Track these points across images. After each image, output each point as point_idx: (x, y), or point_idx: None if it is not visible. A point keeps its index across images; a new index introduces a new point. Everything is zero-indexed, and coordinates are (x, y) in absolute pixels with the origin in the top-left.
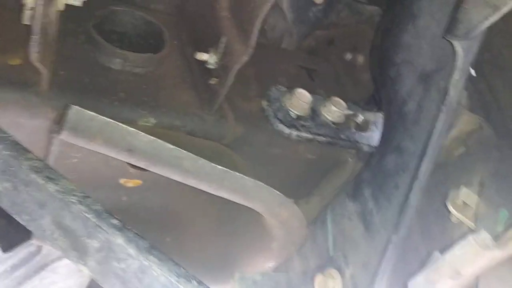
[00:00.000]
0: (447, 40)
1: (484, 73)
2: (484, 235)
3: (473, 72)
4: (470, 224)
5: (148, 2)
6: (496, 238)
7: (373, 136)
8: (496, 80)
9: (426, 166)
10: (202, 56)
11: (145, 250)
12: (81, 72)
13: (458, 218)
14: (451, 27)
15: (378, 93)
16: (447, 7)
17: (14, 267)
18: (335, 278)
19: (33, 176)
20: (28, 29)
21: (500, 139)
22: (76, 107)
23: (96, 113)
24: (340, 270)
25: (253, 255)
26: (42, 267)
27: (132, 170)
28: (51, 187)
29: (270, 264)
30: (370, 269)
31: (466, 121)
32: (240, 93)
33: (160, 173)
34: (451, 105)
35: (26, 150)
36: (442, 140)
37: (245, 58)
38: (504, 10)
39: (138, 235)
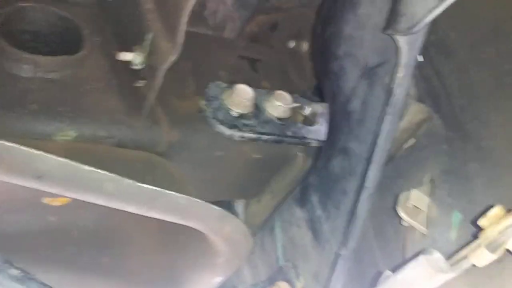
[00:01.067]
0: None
1: (430, 57)
2: (437, 256)
3: (420, 57)
4: (422, 229)
5: None
6: (448, 258)
7: (321, 130)
8: (443, 65)
9: (373, 172)
10: (126, 56)
11: None
12: None
13: (409, 224)
14: (391, 21)
15: (321, 87)
16: None
17: None
18: None
19: None
20: None
21: (450, 131)
22: None
23: (2, 130)
24: (290, 283)
25: (199, 272)
26: None
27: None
28: None
29: (217, 280)
30: (321, 281)
31: (415, 111)
32: (174, 92)
33: (79, 198)
34: (396, 105)
35: None
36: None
37: (172, 58)
38: (450, 1)
39: (44, 284)
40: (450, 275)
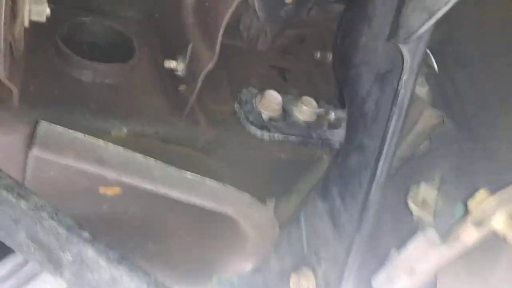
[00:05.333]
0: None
1: (446, 67)
2: (431, 233)
3: (435, 67)
4: (429, 220)
5: (118, 10)
6: (443, 235)
7: (344, 133)
8: (459, 74)
9: (383, 164)
10: (170, 64)
11: (115, 261)
12: (51, 85)
13: (418, 215)
14: (393, 32)
15: (342, 92)
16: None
17: (2, 279)
18: (308, 277)
19: (5, 194)
20: None
21: (461, 133)
22: (45, 122)
23: (68, 126)
24: (313, 269)
25: (230, 257)
26: (31, 277)
27: (110, 178)
28: (23, 204)
29: (247, 266)
30: (340, 267)
31: (429, 116)
32: (212, 96)
33: (131, 183)
34: (402, 104)
35: None
36: (407, 136)
37: (211, 65)
38: (439, 15)
39: (108, 246)
40: (444, 250)
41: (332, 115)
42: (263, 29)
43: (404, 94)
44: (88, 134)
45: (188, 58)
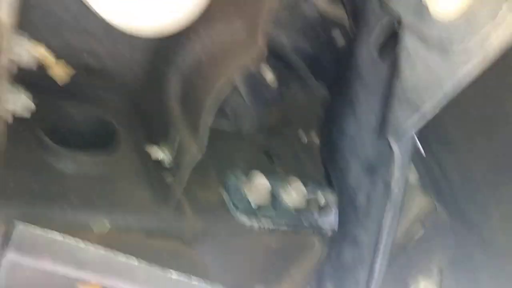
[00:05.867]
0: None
1: (433, 151)
2: None
3: (422, 151)
4: None
5: (102, 97)
6: None
7: (336, 220)
8: (445, 158)
9: (380, 262)
10: (156, 154)
11: None
12: (31, 179)
13: None
14: (382, 128)
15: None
16: (382, 99)
17: None
18: None
19: None
20: None
21: (454, 221)
22: (22, 224)
23: (47, 222)
24: None
25: None
26: None
27: (90, 281)
28: None
29: None
30: None
31: (420, 203)
32: (198, 183)
33: (113, 286)
34: (396, 202)
35: None
36: (401, 222)
37: (197, 157)
38: (429, 116)
39: None
40: None
41: (322, 199)
42: (249, 110)
43: (397, 191)
44: (69, 230)
45: (174, 148)
